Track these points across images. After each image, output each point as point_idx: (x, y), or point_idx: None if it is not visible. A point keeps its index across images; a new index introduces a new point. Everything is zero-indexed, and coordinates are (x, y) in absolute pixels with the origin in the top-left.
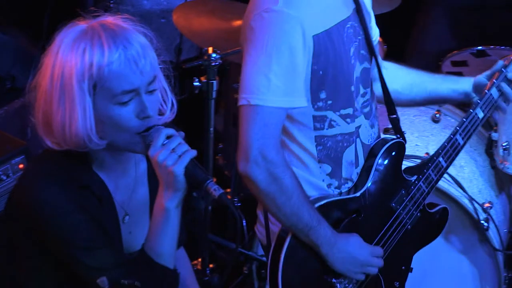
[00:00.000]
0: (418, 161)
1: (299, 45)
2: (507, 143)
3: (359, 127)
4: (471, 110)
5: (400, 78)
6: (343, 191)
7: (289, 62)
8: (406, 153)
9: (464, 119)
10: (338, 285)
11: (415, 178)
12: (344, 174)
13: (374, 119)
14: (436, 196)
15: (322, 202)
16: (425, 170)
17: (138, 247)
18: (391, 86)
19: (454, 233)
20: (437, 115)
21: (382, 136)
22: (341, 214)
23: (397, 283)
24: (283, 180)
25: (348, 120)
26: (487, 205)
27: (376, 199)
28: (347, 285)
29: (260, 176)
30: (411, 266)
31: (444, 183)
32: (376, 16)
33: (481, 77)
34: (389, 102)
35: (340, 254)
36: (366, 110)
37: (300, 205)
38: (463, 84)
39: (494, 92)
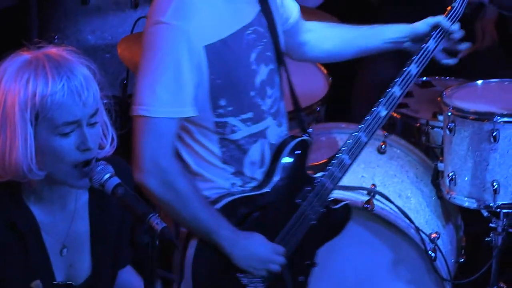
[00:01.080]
0: (364, 192)
1: (184, 57)
2: (453, 173)
3: (266, 128)
4: (374, 109)
5: (329, 37)
6: (246, 189)
7: (174, 74)
8: (351, 184)
9: (368, 117)
10: (244, 280)
11: (320, 175)
12: (248, 173)
13: (282, 118)
14: (383, 227)
15: (229, 199)
16: (328, 167)
17: (81, 279)
18: (321, 47)
19: (402, 263)
20: (383, 146)
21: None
22: (247, 210)
23: (302, 277)
24: (178, 188)
25: (249, 123)
26: (434, 235)
27: (282, 195)
28: (253, 279)
29: (155, 185)
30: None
31: (391, 214)
32: None
33: (419, 25)
34: (296, 103)
35: (243, 252)
36: (273, 110)
37: (198, 211)
38: (392, 33)
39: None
